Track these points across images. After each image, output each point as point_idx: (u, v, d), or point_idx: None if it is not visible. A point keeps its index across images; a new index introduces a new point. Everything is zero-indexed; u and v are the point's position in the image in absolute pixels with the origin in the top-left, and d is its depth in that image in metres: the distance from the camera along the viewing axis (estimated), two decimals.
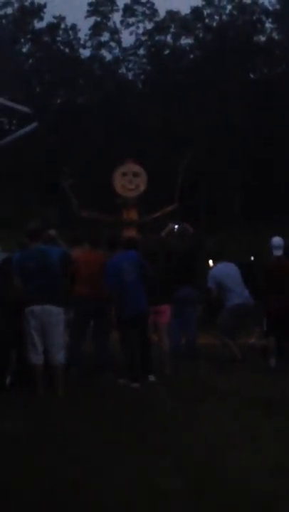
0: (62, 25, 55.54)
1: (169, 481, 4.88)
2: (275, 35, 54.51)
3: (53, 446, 5.71)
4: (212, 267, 11.67)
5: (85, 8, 55.55)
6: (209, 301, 11.60)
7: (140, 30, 55.97)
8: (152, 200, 15.99)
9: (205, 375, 9.54)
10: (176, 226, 11.46)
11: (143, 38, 55.93)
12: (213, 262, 11.98)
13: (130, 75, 56.43)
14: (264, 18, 54.32)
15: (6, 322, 8.12)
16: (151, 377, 8.88)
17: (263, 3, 53.21)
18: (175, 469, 5.17)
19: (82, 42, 55.90)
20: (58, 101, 54.57)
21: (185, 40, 55.44)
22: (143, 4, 56.20)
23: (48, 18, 55.00)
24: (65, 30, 55.63)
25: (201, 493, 4.72)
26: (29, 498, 4.53)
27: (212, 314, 13.55)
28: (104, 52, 55.98)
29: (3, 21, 47.15)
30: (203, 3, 54.43)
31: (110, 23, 56.13)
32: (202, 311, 11.68)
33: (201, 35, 55.20)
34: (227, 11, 54.69)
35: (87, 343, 9.47)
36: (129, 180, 14.79)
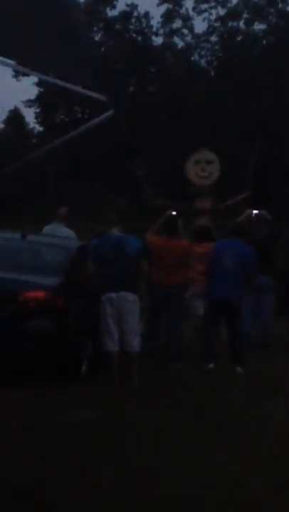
0: (135, 13, 55.52)
1: (249, 473, 4.86)
2: None
3: (131, 434, 5.72)
4: None
5: None
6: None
7: (213, 17, 55.46)
8: (225, 188, 15.84)
9: (280, 366, 9.40)
10: (254, 212, 11.21)
11: (216, 25, 55.41)
12: None
13: (203, 62, 56.08)
14: None
15: (82, 310, 8.15)
16: (239, 369, 8.68)
17: None
18: (254, 462, 5.13)
19: (154, 30, 55.81)
20: (130, 89, 54.64)
21: (258, 26, 54.72)
22: None
23: (120, 6, 55.13)
24: (138, 18, 55.61)
25: (279, 485, 4.69)
26: (108, 486, 4.55)
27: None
28: (176, 40, 55.78)
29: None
30: None
31: (182, 10, 55.80)
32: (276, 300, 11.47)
33: (274, 20, 54.37)
34: None
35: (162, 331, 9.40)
36: (203, 168, 14.62)
